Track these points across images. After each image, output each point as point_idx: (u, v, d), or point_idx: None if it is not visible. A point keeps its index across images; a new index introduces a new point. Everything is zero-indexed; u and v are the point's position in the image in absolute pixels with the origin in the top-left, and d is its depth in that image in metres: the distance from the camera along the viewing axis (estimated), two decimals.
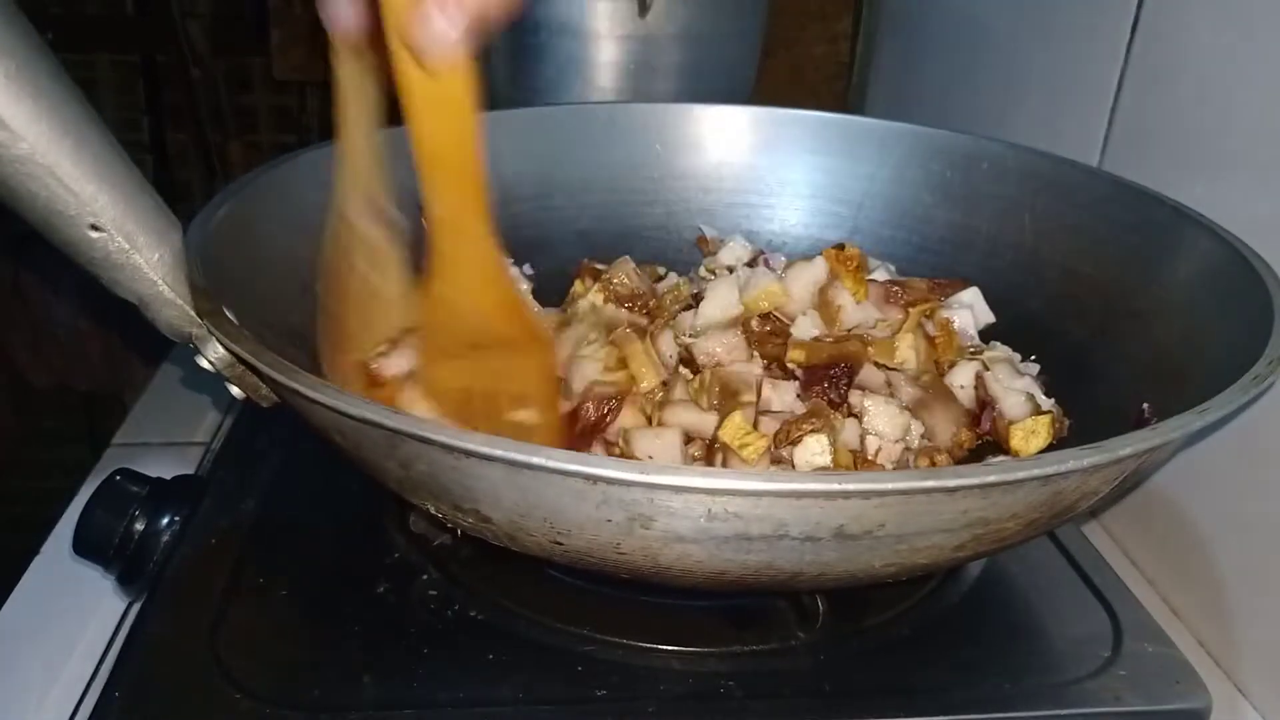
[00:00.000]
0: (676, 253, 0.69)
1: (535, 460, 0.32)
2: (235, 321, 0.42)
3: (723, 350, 0.54)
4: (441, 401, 0.47)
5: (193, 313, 0.45)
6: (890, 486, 0.33)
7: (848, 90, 1.18)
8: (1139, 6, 0.63)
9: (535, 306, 0.60)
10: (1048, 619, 0.50)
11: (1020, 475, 0.34)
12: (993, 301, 0.60)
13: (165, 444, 0.72)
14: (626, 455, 0.49)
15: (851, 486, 0.32)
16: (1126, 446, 0.35)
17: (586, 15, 0.84)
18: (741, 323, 0.55)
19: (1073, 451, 0.34)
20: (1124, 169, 0.62)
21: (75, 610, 0.55)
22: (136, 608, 0.53)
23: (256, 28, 1.36)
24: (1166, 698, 0.45)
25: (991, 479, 0.33)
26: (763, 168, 0.70)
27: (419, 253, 0.63)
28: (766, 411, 0.50)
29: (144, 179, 0.44)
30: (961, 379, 0.55)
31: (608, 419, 0.50)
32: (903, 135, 0.68)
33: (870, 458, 0.50)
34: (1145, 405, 0.48)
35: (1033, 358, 0.59)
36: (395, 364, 0.50)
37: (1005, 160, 0.65)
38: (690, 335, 0.55)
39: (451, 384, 0.46)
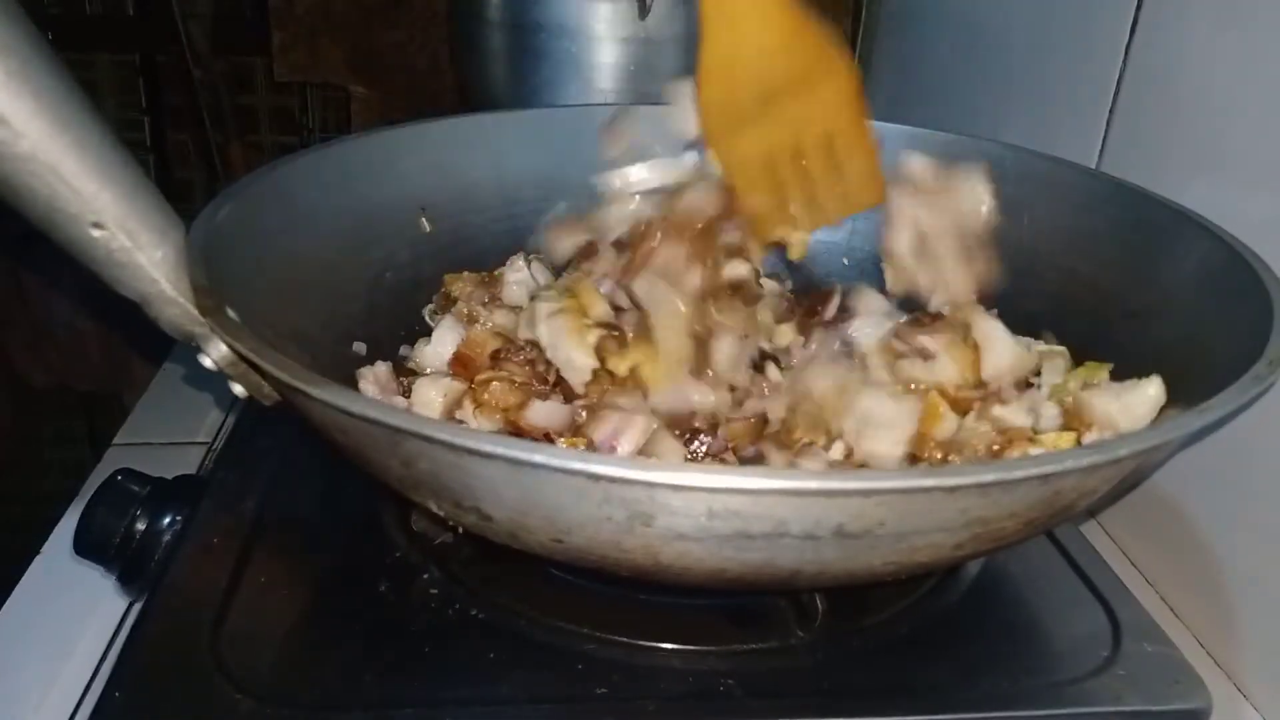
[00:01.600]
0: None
1: (536, 458, 0.32)
2: (238, 320, 0.42)
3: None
4: (748, 181, 0.44)
5: (195, 311, 0.45)
6: (890, 485, 0.33)
7: None
8: (1139, 6, 0.63)
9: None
10: (1047, 619, 0.50)
11: (1019, 474, 0.34)
12: (992, 302, 0.60)
13: (166, 444, 0.72)
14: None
15: (851, 485, 0.32)
16: (1126, 446, 0.35)
17: (587, 17, 0.84)
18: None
19: (1072, 451, 0.34)
20: (1123, 169, 0.62)
21: (75, 610, 0.55)
22: (136, 608, 0.53)
23: (256, 28, 1.36)
24: (1166, 698, 0.45)
25: (990, 478, 0.34)
26: None
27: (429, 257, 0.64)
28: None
29: (145, 177, 0.44)
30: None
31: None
32: (902, 136, 0.68)
33: None
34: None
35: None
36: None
37: (1004, 161, 0.65)
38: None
39: (752, 154, 0.43)
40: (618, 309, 0.56)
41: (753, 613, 0.48)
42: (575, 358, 0.52)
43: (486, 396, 0.52)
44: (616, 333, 0.54)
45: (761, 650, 0.46)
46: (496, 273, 0.63)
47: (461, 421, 0.53)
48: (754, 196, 0.46)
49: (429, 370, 0.56)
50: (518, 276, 0.61)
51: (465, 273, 0.62)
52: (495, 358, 0.55)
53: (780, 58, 0.42)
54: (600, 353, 0.53)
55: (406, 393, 0.55)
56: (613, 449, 0.48)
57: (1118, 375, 0.54)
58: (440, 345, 0.56)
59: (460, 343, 0.55)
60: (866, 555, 0.37)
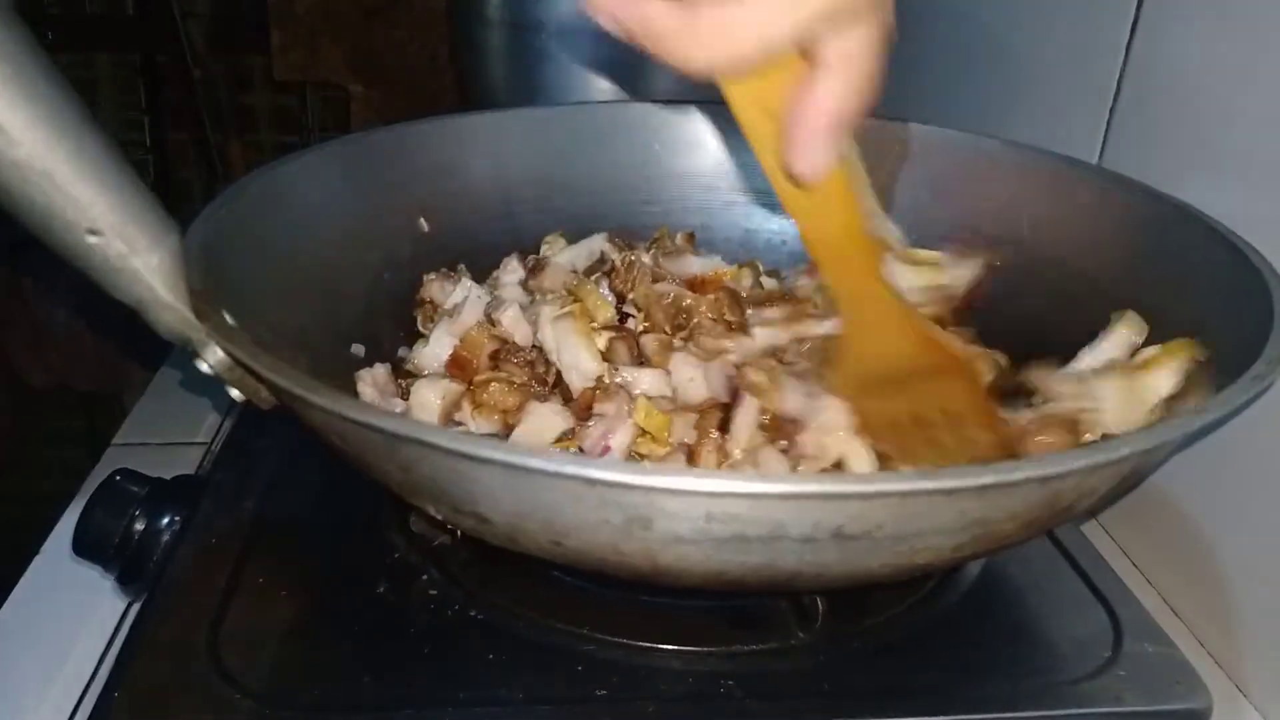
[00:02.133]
0: None
1: (533, 464, 0.32)
2: (234, 325, 0.42)
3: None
4: (873, 431, 0.47)
5: (191, 316, 0.45)
6: (888, 487, 0.33)
7: None
8: (1139, 6, 0.63)
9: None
10: (1048, 619, 0.50)
11: (1018, 476, 0.34)
12: (992, 301, 0.60)
13: (165, 444, 0.72)
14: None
15: (850, 488, 0.32)
16: (1125, 447, 0.35)
17: (587, 17, 0.84)
18: None
19: (1071, 451, 0.34)
20: (1124, 168, 0.62)
21: (75, 610, 0.55)
22: (136, 608, 0.53)
23: (256, 28, 1.36)
24: (1166, 698, 0.44)
25: (989, 480, 0.33)
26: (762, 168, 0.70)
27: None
28: None
29: (141, 182, 0.44)
30: None
31: None
32: (902, 135, 0.68)
33: None
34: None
35: None
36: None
37: (1004, 159, 0.65)
38: None
39: (876, 416, 0.46)
40: (623, 315, 0.56)
41: (753, 614, 0.48)
42: (582, 362, 0.52)
43: (485, 398, 0.52)
44: (624, 334, 0.54)
45: (761, 652, 0.46)
46: (493, 275, 0.63)
47: (460, 423, 0.53)
48: (876, 440, 0.48)
49: (427, 372, 0.56)
50: (513, 278, 0.61)
51: (434, 274, 0.62)
52: (494, 358, 0.55)
53: (909, 363, 0.45)
54: (607, 356, 0.53)
55: (405, 394, 0.55)
56: (606, 449, 0.48)
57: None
58: (438, 346, 0.56)
59: (457, 344, 0.55)
60: (866, 558, 0.37)
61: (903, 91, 1.03)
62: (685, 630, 0.47)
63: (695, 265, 0.60)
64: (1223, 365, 0.44)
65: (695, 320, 0.54)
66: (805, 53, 0.32)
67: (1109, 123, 0.65)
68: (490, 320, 0.57)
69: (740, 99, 0.34)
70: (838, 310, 0.43)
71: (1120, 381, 0.48)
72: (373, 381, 0.54)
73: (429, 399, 0.53)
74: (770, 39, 0.30)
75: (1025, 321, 0.60)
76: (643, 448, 0.50)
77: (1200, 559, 0.56)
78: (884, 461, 0.48)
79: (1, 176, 0.39)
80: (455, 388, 0.53)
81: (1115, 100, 0.65)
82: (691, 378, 0.51)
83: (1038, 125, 0.74)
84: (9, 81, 0.37)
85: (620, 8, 0.29)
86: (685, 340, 0.54)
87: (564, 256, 0.62)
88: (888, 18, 0.32)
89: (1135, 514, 0.62)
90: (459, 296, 0.58)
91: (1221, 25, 0.56)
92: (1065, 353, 0.58)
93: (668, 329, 0.55)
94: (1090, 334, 0.57)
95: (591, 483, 0.32)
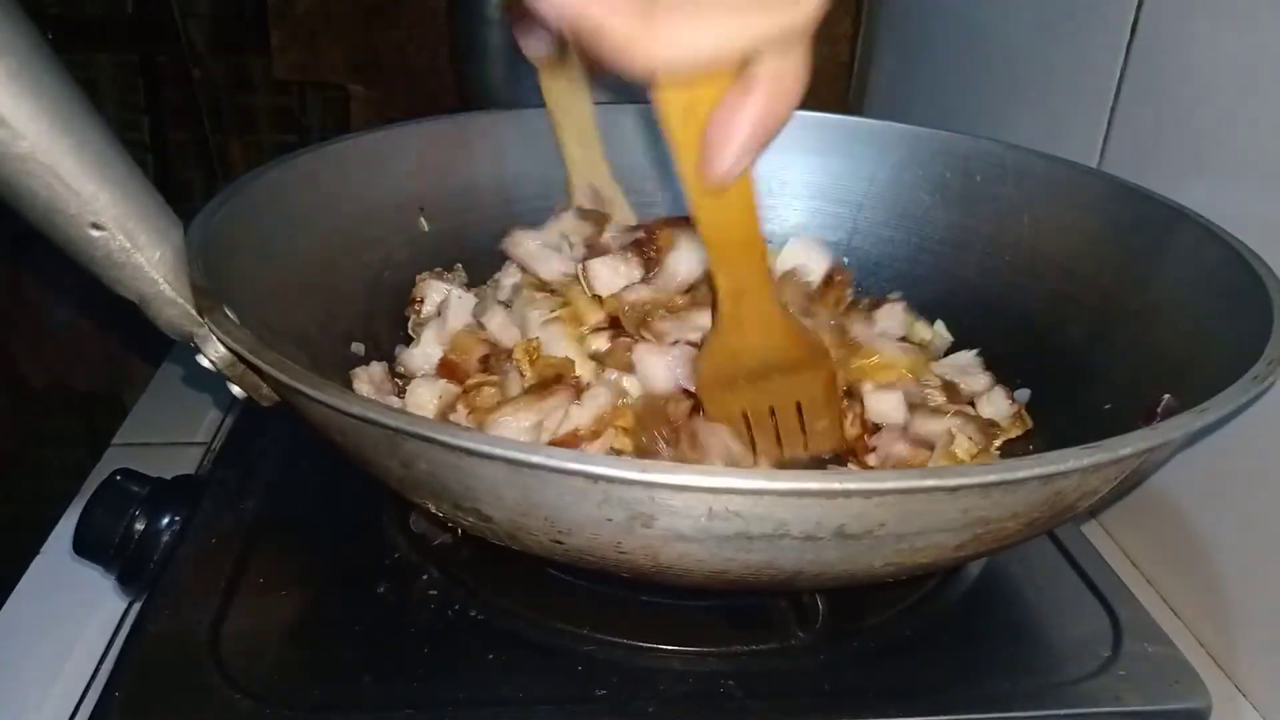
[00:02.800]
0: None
1: (536, 459, 0.32)
2: (236, 320, 0.42)
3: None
4: (725, 419, 0.49)
5: (194, 311, 0.45)
6: (891, 486, 0.33)
7: (848, 90, 1.18)
8: (1139, 6, 0.63)
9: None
10: (1048, 619, 0.50)
11: (1021, 474, 0.34)
12: (992, 301, 0.60)
13: (165, 444, 0.72)
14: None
15: (852, 486, 0.32)
16: (1126, 446, 0.35)
17: None
18: None
19: (1073, 451, 0.34)
20: (1124, 169, 0.62)
21: (75, 610, 0.55)
22: (136, 608, 0.53)
23: (256, 28, 1.36)
24: (1166, 698, 0.45)
25: (992, 478, 0.33)
26: (762, 168, 0.69)
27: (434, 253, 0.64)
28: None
29: (144, 177, 0.44)
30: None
31: None
32: (903, 136, 0.68)
33: None
34: (1167, 396, 0.48)
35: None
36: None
37: (1004, 161, 0.65)
38: None
39: (733, 410, 0.48)
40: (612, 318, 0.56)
41: (753, 614, 0.48)
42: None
43: (479, 401, 0.52)
44: (612, 332, 0.54)
45: (762, 651, 0.46)
46: (494, 278, 0.63)
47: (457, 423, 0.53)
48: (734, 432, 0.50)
49: (419, 374, 0.56)
50: (511, 281, 0.61)
51: (427, 273, 0.62)
52: (485, 362, 0.55)
53: (778, 357, 0.47)
54: (596, 358, 0.53)
55: (402, 393, 0.55)
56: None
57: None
58: (426, 348, 0.56)
59: (446, 349, 0.55)
60: (868, 556, 0.37)
61: (903, 91, 1.03)
62: (685, 630, 0.47)
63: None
64: (1223, 365, 0.44)
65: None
66: (741, 67, 0.33)
67: (1109, 123, 0.65)
68: (479, 324, 0.57)
69: (672, 103, 0.35)
70: (719, 307, 0.45)
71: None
72: (369, 379, 0.54)
73: (425, 399, 0.53)
74: (722, 51, 0.32)
75: (1025, 322, 0.60)
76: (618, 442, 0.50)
77: (1200, 559, 0.56)
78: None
79: (5, 170, 0.39)
80: (452, 388, 0.53)
81: (1115, 100, 0.65)
82: (654, 367, 0.51)
83: (1038, 126, 0.74)
84: (13, 76, 0.37)
85: (571, 4, 0.29)
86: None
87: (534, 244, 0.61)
88: (810, 48, 0.34)
89: (1135, 514, 0.62)
90: (443, 299, 0.58)
91: (1221, 25, 0.56)
92: (1064, 353, 0.58)
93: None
94: (1091, 334, 0.57)
95: (594, 479, 0.32)
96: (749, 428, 0.48)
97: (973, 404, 0.56)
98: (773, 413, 0.49)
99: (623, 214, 0.66)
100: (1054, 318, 0.59)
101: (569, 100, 0.63)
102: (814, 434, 0.50)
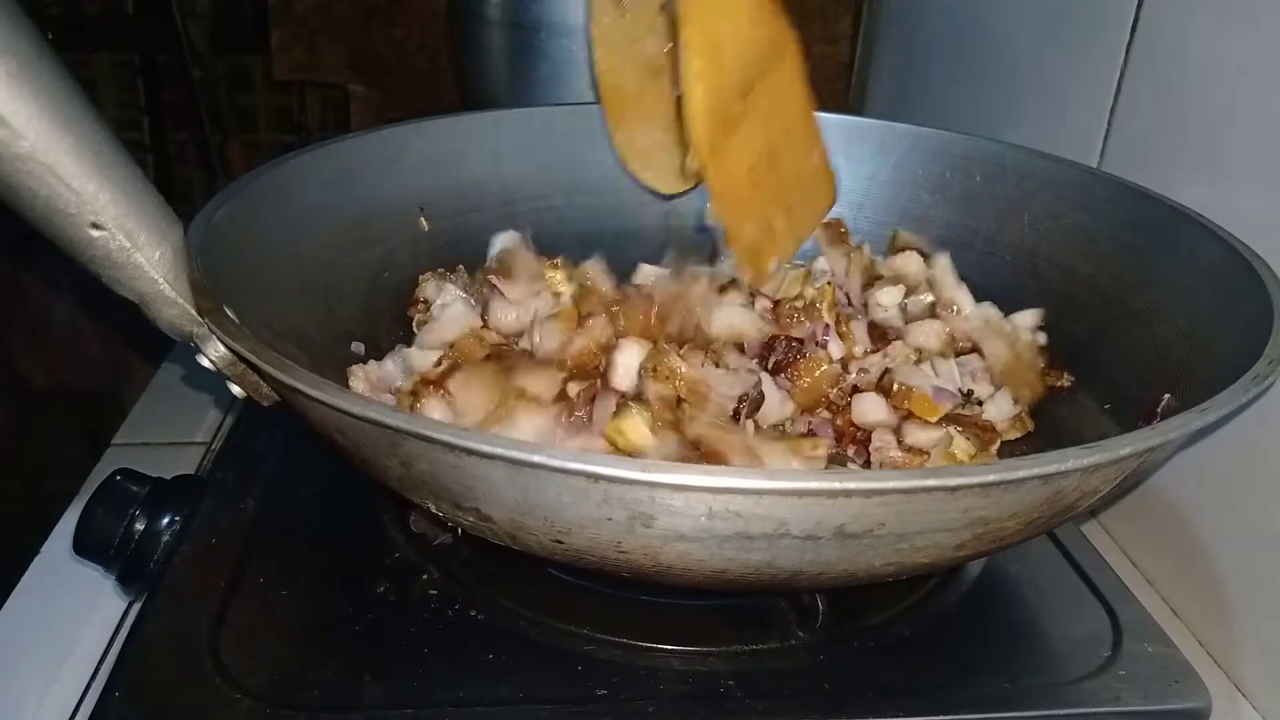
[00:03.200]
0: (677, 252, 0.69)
1: (536, 459, 0.32)
2: (236, 320, 0.42)
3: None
4: (738, 205, 0.44)
5: (194, 311, 0.44)
6: (891, 485, 0.33)
7: (848, 90, 1.18)
8: (1139, 6, 0.63)
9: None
10: (1048, 619, 0.50)
11: (1021, 474, 0.34)
12: (992, 301, 0.60)
13: (165, 444, 0.72)
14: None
15: (853, 485, 0.32)
16: (1126, 446, 0.35)
17: (587, 15, 0.84)
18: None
19: (1073, 451, 0.34)
20: (1124, 169, 0.62)
21: (75, 610, 0.55)
22: (136, 608, 0.53)
23: (256, 27, 1.36)
24: (1166, 698, 0.45)
25: (992, 478, 0.33)
26: None
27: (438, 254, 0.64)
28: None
29: (144, 177, 0.44)
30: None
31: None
32: (903, 135, 0.68)
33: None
34: (1167, 395, 0.48)
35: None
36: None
37: (1004, 160, 0.65)
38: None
39: (739, 169, 0.43)
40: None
41: (753, 614, 0.48)
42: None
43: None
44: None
45: (762, 651, 0.46)
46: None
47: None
48: (745, 225, 0.45)
49: (418, 375, 0.56)
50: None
51: (429, 273, 0.62)
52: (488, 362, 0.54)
53: (753, 30, 0.41)
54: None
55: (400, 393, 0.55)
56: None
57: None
58: (427, 350, 0.56)
59: (450, 351, 0.55)
60: (868, 556, 0.37)
61: (903, 91, 1.03)
62: (685, 630, 0.47)
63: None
64: (1223, 365, 0.44)
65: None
66: None
67: (1109, 123, 0.65)
68: (483, 319, 0.57)
69: None
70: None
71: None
72: (365, 377, 0.54)
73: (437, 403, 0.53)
74: None
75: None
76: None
77: (1200, 559, 0.56)
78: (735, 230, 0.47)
79: (5, 170, 0.39)
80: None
81: (1115, 100, 0.65)
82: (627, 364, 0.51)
83: (1038, 126, 0.74)
84: (14, 75, 0.37)
85: None
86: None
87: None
88: None
89: (1135, 514, 0.62)
90: (443, 301, 0.58)
91: (1221, 25, 0.56)
92: (1064, 353, 0.58)
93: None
94: (1091, 334, 0.57)
95: (595, 478, 0.32)
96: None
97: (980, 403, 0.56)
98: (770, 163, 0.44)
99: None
100: (1055, 317, 0.59)
101: None
102: (808, 186, 0.46)
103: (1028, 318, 0.59)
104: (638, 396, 0.48)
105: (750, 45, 0.41)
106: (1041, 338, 0.59)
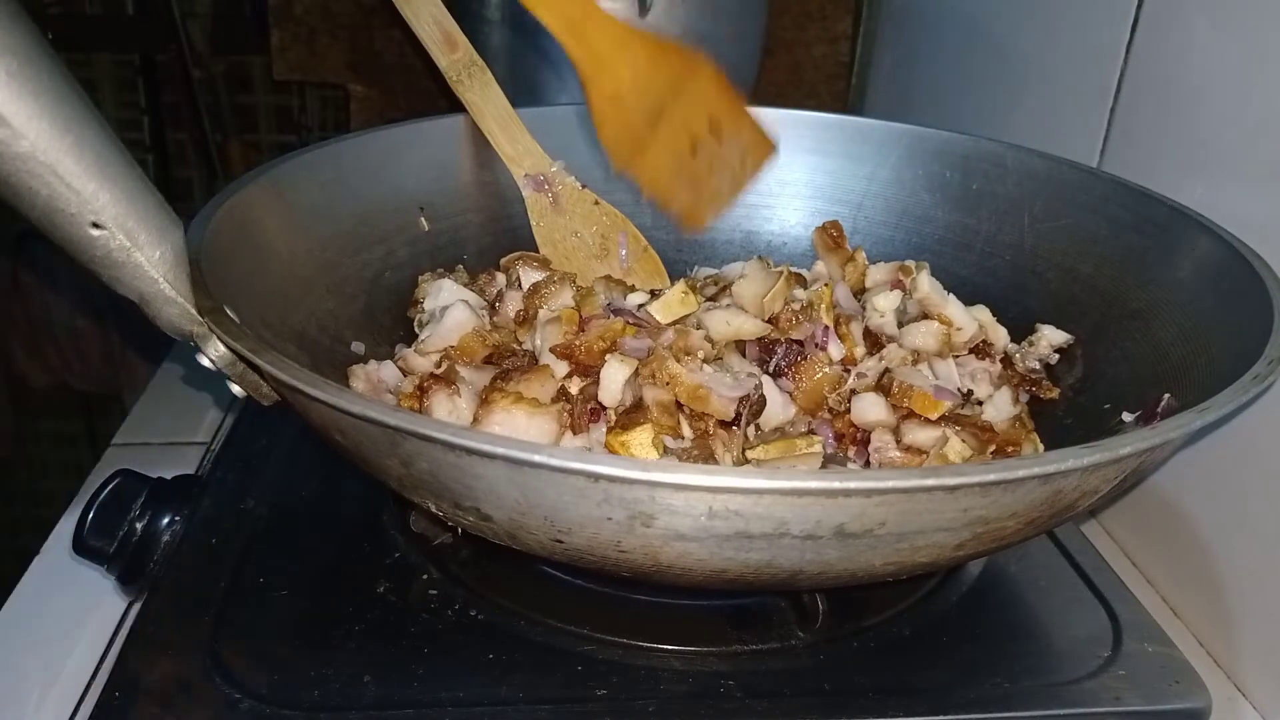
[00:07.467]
0: (676, 252, 0.69)
1: (536, 458, 0.32)
2: (236, 319, 0.42)
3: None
4: (666, 187, 0.49)
5: (194, 311, 0.44)
6: (891, 485, 0.33)
7: (848, 90, 1.18)
8: (1139, 6, 0.63)
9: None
10: (1047, 619, 0.50)
11: (1021, 474, 0.34)
12: (992, 301, 0.60)
13: (165, 444, 0.72)
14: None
15: (852, 485, 0.32)
16: (1126, 445, 0.35)
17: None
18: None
19: (1073, 450, 0.34)
20: (1124, 169, 0.62)
21: (75, 610, 0.55)
22: (136, 608, 0.53)
23: (256, 28, 1.36)
24: (1166, 698, 0.45)
25: (992, 478, 0.33)
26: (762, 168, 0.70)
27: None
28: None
29: (145, 176, 0.44)
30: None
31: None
32: (902, 135, 0.68)
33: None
34: (1167, 395, 0.48)
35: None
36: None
37: (1004, 160, 0.65)
38: None
39: (661, 164, 0.48)
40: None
41: (753, 614, 0.48)
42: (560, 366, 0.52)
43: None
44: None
45: (762, 651, 0.46)
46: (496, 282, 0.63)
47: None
48: (678, 198, 0.51)
49: (419, 373, 0.56)
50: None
51: (429, 273, 0.62)
52: (489, 363, 0.55)
53: (653, 75, 0.47)
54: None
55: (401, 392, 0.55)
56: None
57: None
58: (430, 346, 0.56)
59: (452, 349, 0.55)
60: (868, 555, 0.37)
61: (903, 91, 1.03)
62: (685, 630, 0.47)
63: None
64: (1223, 365, 0.44)
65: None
66: None
67: (1109, 123, 0.65)
68: (492, 308, 0.57)
69: None
70: (572, 55, 0.45)
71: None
72: (365, 377, 0.54)
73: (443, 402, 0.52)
74: None
75: (1025, 322, 0.60)
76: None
77: (1200, 559, 0.56)
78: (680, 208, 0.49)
79: (5, 169, 0.39)
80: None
81: (1115, 100, 0.65)
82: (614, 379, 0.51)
83: (1038, 126, 0.75)
84: (14, 75, 0.37)
85: None
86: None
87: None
88: None
89: (1135, 514, 0.62)
90: (444, 302, 0.58)
91: (1221, 25, 0.56)
92: (1064, 353, 0.58)
93: None
94: (1091, 334, 0.57)
95: (595, 478, 0.32)
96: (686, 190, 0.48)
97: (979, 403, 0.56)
98: (693, 150, 0.48)
99: (561, 182, 0.67)
100: (1055, 317, 0.59)
101: (483, 101, 0.65)
102: (748, 146, 0.50)
103: (1057, 335, 0.59)
104: (636, 405, 0.48)
105: (653, 83, 0.47)
106: (1054, 357, 0.58)
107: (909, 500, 0.34)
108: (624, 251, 0.63)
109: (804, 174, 0.70)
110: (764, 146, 0.53)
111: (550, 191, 0.66)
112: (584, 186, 0.67)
